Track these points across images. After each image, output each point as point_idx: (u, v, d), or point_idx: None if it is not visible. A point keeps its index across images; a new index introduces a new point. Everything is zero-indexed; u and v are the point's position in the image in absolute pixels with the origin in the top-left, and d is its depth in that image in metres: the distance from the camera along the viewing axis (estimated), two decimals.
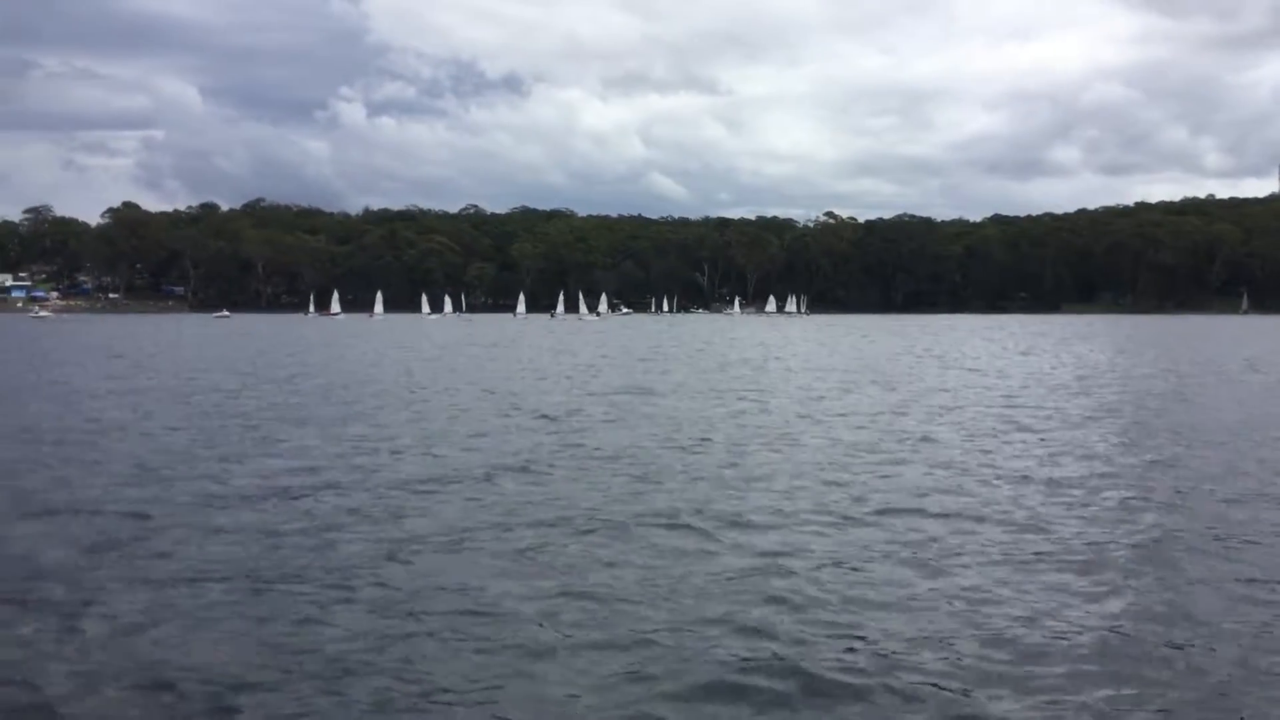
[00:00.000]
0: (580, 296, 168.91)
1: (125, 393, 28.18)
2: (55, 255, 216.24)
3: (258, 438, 18.57)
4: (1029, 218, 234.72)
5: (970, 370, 39.13)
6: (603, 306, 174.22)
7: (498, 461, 15.82)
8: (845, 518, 11.83)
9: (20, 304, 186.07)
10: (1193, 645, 7.70)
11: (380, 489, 13.57)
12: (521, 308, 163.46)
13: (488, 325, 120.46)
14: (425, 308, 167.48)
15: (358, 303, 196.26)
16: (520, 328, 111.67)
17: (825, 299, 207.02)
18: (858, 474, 14.83)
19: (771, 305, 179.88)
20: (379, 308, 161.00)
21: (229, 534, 10.97)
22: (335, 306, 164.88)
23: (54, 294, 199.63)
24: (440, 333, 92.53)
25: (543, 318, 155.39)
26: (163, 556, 10.02)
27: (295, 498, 12.95)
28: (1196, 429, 20.30)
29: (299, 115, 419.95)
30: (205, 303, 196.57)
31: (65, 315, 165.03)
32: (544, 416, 22.01)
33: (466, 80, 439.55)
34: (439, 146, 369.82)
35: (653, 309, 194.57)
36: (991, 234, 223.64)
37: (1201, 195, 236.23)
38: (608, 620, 8.19)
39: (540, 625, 8.05)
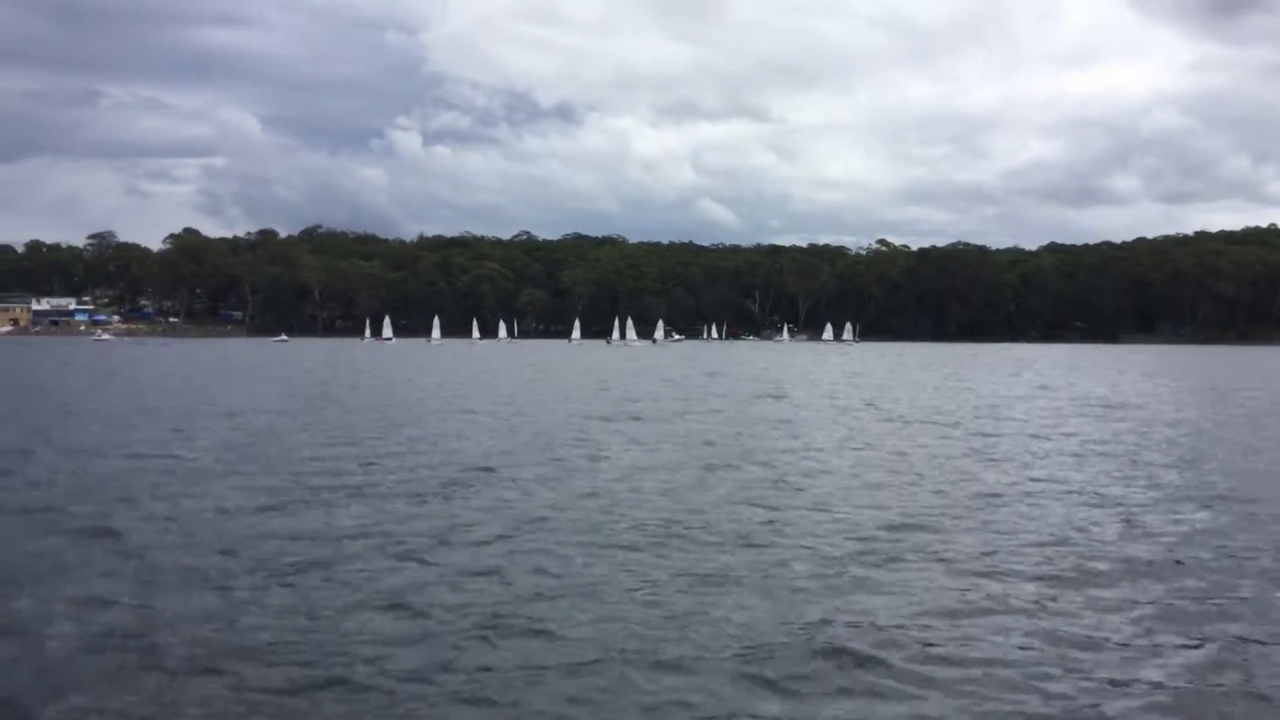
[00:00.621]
0: (630, 323, 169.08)
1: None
2: (118, 280, 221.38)
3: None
4: (1086, 246, 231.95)
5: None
6: (659, 333, 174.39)
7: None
8: None
9: (83, 327, 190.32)
10: None
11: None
12: (577, 334, 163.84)
13: (556, 351, 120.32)
14: (475, 333, 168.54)
15: (410, 328, 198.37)
16: (598, 354, 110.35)
17: (877, 327, 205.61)
18: None
19: (829, 333, 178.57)
20: (436, 333, 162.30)
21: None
22: (387, 331, 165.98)
23: (115, 317, 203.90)
24: (545, 360, 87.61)
25: (599, 344, 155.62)
26: None
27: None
28: None
29: (356, 144, 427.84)
30: (262, 327, 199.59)
31: (126, 339, 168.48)
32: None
33: (520, 109, 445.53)
34: (492, 174, 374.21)
35: (704, 336, 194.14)
36: (1047, 262, 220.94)
37: (1263, 225, 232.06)
38: None
39: None
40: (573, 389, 45.11)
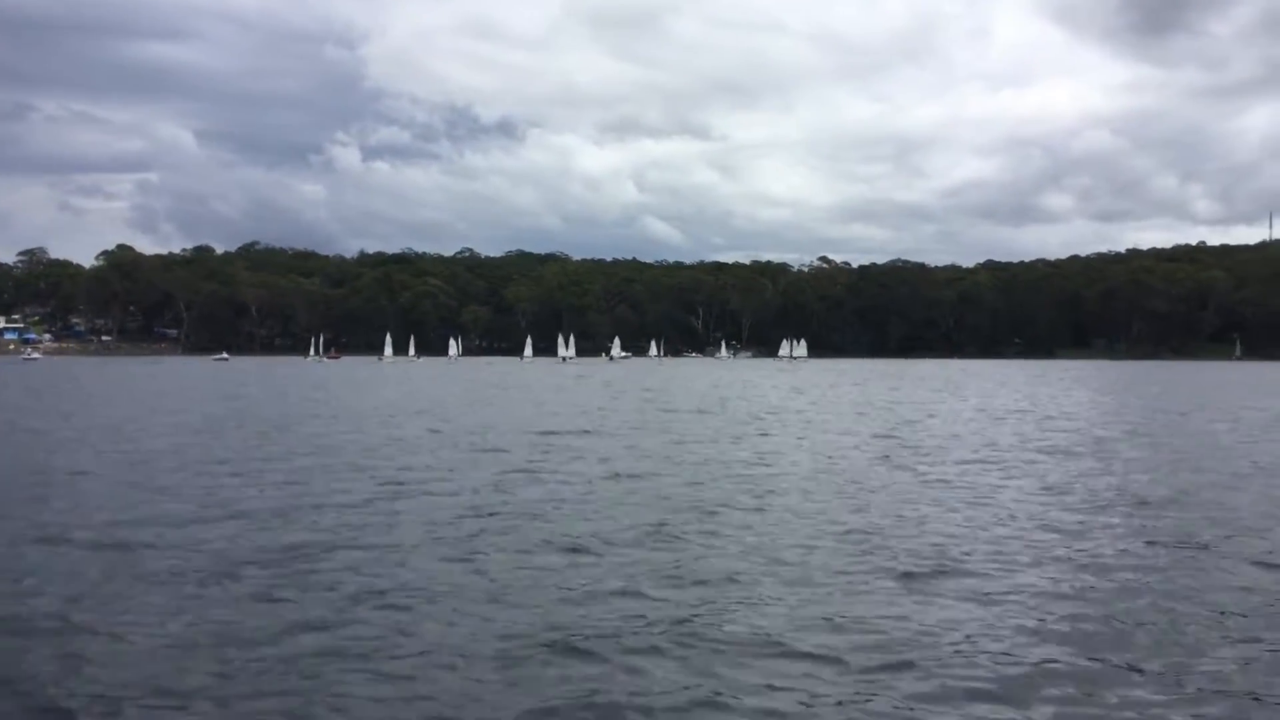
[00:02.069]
0: (572, 339, 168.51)
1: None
2: (49, 298, 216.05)
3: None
4: (1022, 264, 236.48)
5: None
6: (616, 349, 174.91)
7: None
8: None
9: (12, 346, 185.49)
10: None
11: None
12: (529, 351, 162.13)
13: (529, 371, 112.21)
14: (403, 350, 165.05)
15: (351, 346, 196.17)
16: (566, 372, 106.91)
17: (819, 343, 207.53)
18: None
19: (784, 349, 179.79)
20: (388, 351, 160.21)
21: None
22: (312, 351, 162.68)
23: (46, 336, 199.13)
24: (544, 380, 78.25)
25: (551, 361, 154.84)
26: None
27: None
28: None
29: (294, 159, 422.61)
30: (197, 345, 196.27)
31: (56, 358, 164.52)
32: None
33: (461, 125, 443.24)
34: (434, 190, 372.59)
35: (650, 352, 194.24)
36: (985, 280, 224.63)
37: (1193, 242, 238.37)
38: None
39: None
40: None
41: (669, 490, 17.74)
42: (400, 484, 18.23)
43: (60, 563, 11.89)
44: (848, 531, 13.80)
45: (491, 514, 15.13)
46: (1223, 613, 9.80)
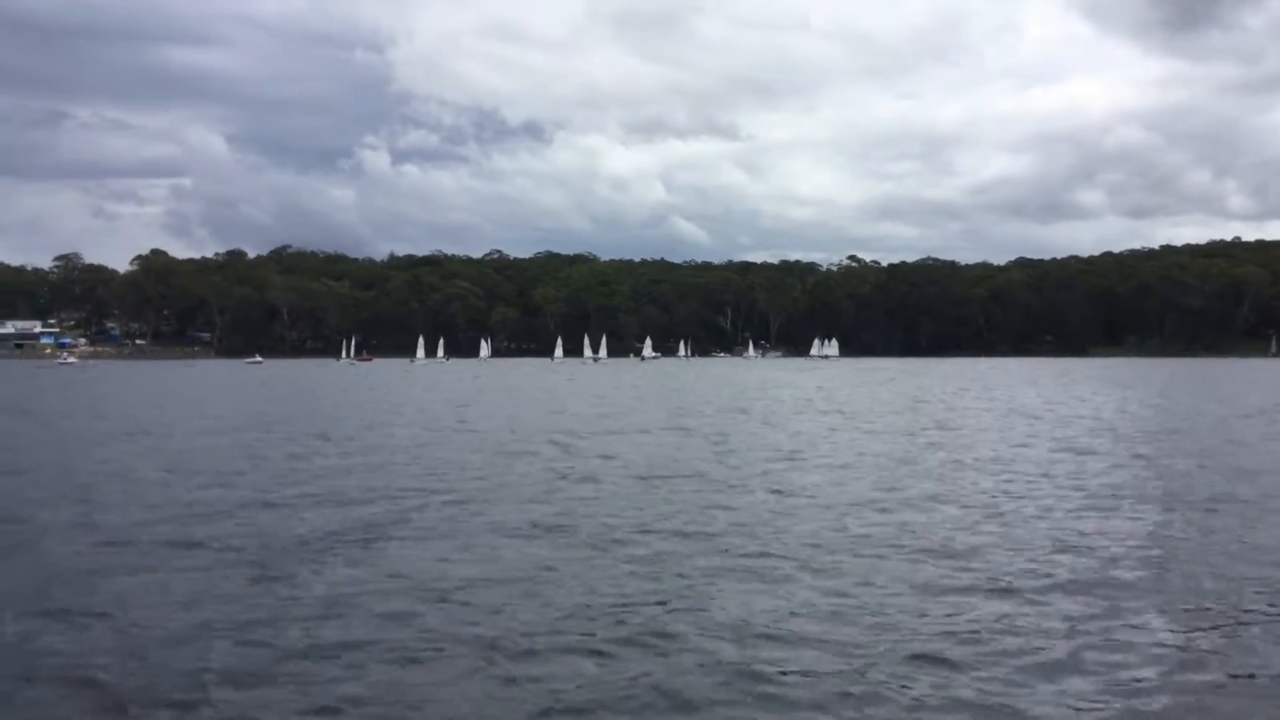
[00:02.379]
0: (604, 340, 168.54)
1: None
2: (84, 302, 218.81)
3: None
4: (1053, 260, 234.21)
5: None
6: (647, 350, 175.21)
7: None
8: None
9: (49, 350, 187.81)
10: None
11: None
12: (559, 352, 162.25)
13: (564, 371, 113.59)
14: (439, 352, 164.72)
15: (381, 348, 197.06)
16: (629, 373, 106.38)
17: (849, 343, 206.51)
18: None
19: (816, 349, 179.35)
20: (420, 353, 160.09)
21: None
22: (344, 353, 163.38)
23: (81, 340, 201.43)
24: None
25: (581, 361, 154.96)
26: None
27: None
28: None
29: (324, 163, 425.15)
30: (230, 349, 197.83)
31: (91, 361, 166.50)
32: None
33: (488, 127, 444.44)
34: (462, 193, 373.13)
35: (679, 353, 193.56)
36: (1016, 277, 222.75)
37: (1227, 238, 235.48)
38: None
39: None
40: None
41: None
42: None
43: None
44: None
45: None
46: None
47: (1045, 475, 19.45)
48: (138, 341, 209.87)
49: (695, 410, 41.29)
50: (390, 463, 21.95)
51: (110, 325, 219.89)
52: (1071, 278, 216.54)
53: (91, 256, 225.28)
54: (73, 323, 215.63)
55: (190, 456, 23.28)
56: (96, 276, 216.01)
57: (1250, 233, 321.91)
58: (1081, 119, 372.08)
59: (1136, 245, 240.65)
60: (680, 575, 11.16)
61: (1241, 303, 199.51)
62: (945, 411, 39.41)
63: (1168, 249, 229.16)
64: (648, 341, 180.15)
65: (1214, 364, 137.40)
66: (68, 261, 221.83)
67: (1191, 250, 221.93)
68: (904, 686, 7.67)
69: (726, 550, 12.45)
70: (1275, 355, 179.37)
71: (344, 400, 49.99)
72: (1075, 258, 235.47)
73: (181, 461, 22.24)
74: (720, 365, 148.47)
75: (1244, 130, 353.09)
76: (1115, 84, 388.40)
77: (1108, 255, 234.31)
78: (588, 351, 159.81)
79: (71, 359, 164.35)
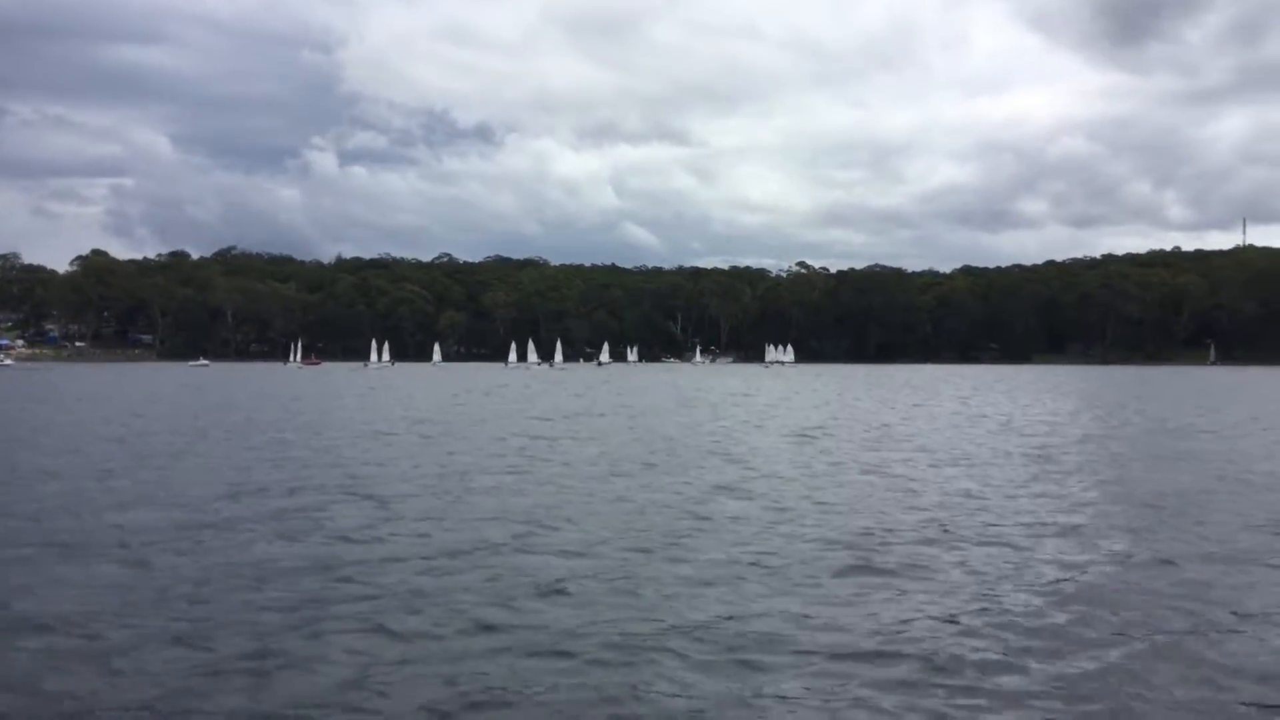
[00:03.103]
0: (558, 345, 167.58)
1: None
2: (22, 303, 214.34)
3: None
4: (998, 269, 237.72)
5: None
6: (605, 355, 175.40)
7: None
8: None
9: None
10: None
11: None
12: (513, 356, 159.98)
13: (530, 377, 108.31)
14: (385, 355, 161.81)
15: (327, 352, 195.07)
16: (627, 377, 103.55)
17: (798, 349, 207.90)
18: None
19: (770, 355, 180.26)
20: (374, 356, 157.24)
21: None
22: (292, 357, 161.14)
23: (19, 342, 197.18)
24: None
25: (540, 367, 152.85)
26: None
27: None
28: None
29: (271, 164, 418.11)
30: (173, 351, 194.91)
31: (29, 364, 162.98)
32: None
33: (439, 130, 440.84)
34: (411, 195, 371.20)
35: (628, 358, 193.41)
36: (962, 285, 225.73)
37: (1167, 248, 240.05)
38: None
39: None
40: None
41: None
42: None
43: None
44: None
45: None
46: None
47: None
48: (77, 344, 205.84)
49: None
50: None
51: (49, 327, 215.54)
52: (1016, 286, 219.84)
53: (30, 257, 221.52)
54: (10, 324, 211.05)
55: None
56: (35, 277, 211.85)
57: (1190, 243, 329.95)
58: (1026, 129, 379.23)
59: (1079, 254, 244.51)
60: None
61: (1181, 311, 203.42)
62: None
63: (1109, 258, 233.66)
64: (605, 347, 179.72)
65: (1152, 372, 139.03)
66: (5, 261, 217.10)
67: (1132, 260, 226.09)
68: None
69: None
70: (1214, 364, 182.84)
71: (308, 408, 48.57)
72: (1019, 266, 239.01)
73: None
74: (680, 372, 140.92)
75: (1183, 141, 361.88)
76: (1060, 95, 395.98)
77: (1051, 264, 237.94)
78: (532, 356, 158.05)
79: (8, 361, 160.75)
